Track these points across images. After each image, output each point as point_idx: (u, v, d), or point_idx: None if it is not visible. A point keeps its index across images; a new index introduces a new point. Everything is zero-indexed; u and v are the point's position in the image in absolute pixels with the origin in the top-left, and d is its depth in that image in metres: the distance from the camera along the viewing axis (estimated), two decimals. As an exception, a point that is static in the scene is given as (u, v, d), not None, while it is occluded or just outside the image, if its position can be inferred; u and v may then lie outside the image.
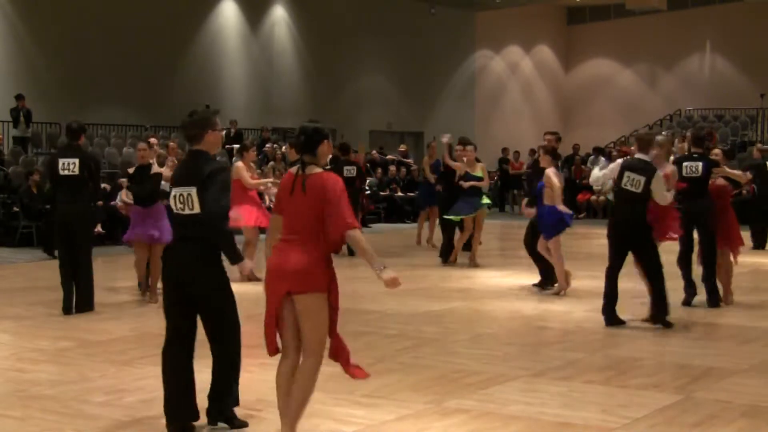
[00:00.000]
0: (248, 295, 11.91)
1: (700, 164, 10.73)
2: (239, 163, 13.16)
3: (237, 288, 6.10)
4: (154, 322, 9.76)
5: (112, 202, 18.99)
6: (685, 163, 10.79)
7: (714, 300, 10.95)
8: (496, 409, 6.47)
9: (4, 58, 23.93)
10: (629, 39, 36.82)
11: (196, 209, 5.79)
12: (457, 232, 15.41)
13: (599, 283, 11.55)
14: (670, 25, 35.47)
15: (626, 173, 9.57)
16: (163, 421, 5.95)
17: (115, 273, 14.44)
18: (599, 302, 10.16)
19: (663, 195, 9.59)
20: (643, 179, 9.47)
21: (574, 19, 39.10)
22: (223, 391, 5.95)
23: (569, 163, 30.25)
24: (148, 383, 7.05)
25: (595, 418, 6.28)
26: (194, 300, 5.86)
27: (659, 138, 10.25)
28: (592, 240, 19.41)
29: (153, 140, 13.72)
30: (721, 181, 11.06)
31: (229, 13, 28.93)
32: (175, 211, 5.91)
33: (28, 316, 10.11)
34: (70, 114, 24.20)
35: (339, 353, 5.58)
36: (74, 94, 24.64)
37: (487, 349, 8.66)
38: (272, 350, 5.56)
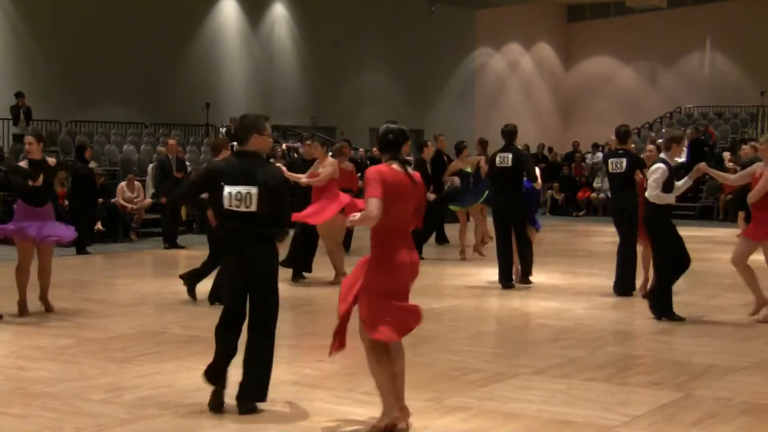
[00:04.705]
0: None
1: (624, 160, 11.33)
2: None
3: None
4: (153, 320, 9.78)
5: (113, 200, 19.03)
6: (611, 159, 11.54)
7: (624, 288, 11.25)
8: (496, 407, 6.47)
9: (5, 56, 23.92)
10: (629, 36, 36.81)
11: (253, 207, 6.04)
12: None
13: (600, 281, 11.55)
14: (670, 22, 35.46)
15: None
16: (163, 418, 6.05)
17: (114, 270, 14.43)
18: (599, 300, 10.16)
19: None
20: None
21: (574, 17, 39.10)
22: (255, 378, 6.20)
23: (569, 161, 30.25)
24: (148, 381, 7.06)
25: (596, 416, 6.28)
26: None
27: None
28: (592, 237, 19.36)
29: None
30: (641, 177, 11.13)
31: (229, 11, 28.93)
32: (230, 208, 6.08)
33: (29, 314, 10.09)
34: (70, 112, 24.37)
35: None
36: (74, 91, 24.63)
37: (487, 346, 8.65)
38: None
